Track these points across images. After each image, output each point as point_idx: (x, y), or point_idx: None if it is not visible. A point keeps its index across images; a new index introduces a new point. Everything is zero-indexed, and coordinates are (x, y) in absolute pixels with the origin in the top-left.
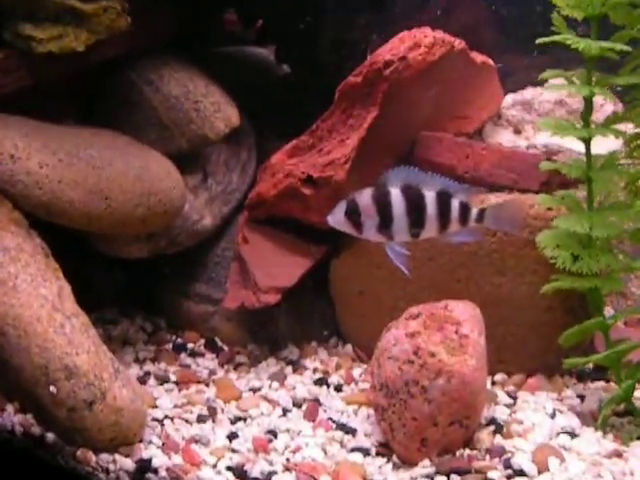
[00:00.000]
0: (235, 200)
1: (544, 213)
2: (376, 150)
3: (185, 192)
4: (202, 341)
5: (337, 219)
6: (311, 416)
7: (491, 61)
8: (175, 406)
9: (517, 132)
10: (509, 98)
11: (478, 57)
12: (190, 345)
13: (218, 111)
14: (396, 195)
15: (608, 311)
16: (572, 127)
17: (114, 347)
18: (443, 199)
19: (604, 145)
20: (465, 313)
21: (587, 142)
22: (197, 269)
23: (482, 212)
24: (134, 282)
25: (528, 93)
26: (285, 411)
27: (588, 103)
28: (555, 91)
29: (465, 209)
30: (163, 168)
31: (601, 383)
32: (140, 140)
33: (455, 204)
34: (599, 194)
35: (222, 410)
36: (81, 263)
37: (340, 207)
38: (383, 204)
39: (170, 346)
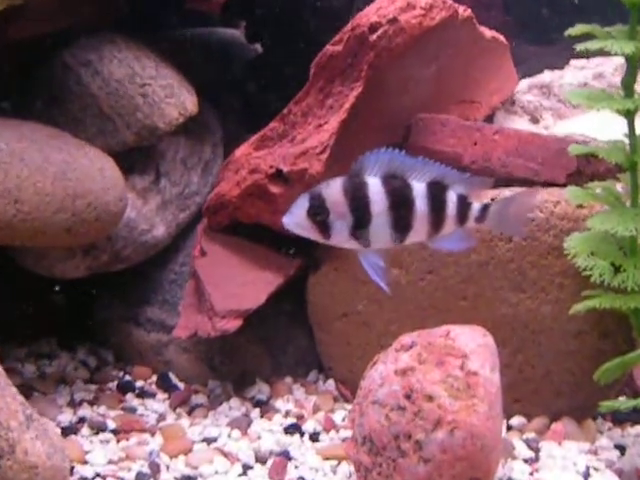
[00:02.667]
0: (195, 205)
1: (573, 212)
2: (361, 136)
3: (125, 195)
4: (154, 378)
5: (296, 220)
6: (277, 475)
7: (503, 37)
8: (110, 462)
9: (534, 120)
10: (524, 82)
11: (487, 32)
12: (139, 383)
13: (170, 96)
14: (375, 186)
15: None
16: (611, 98)
17: (46, 387)
18: (436, 192)
19: None
20: (473, 342)
21: (631, 117)
22: (149, 290)
23: (485, 209)
24: (77, 308)
25: (546, 76)
26: (246, 468)
27: (632, 64)
28: (591, 47)
29: (465, 205)
30: (95, 165)
31: None
32: (77, 135)
33: (452, 198)
34: None
35: (167, 467)
36: (9, 285)
37: (300, 203)
38: (358, 199)
39: (115, 385)
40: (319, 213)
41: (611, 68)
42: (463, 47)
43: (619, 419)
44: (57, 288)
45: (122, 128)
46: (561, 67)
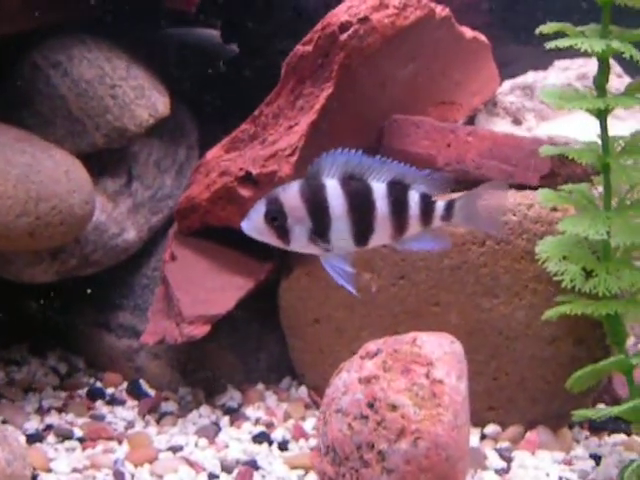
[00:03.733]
0: (168, 208)
1: (547, 215)
2: (332, 138)
3: (92, 198)
4: (125, 385)
5: (254, 225)
6: None
7: (484, 37)
8: (74, 470)
9: (516, 122)
10: (507, 83)
11: (468, 32)
12: (110, 390)
13: (141, 97)
14: (333, 189)
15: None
16: (583, 97)
17: (14, 394)
18: (397, 192)
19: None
20: (439, 349)
21: (603, 116)
22: (121, 295)
23: (450, 206)
24: (49, 314)
25: (529, 77)
26: (211, 478)
27: (603, 63)
28: (561, 45)
29: (428, 204)
30: (60, 167)
31: (621, 437)
32: (47, 137)
33: (414, 198)
34: (619, 188)
35: (132, 476)
36: None
37: (257, 209)
38: (316, 202)
39: (85, 392)
40: (277, 218)
41: (595, 69)
42: (442, 47)
43: (596, 428)
44: (29, 294)
45: (91, 130)
46: (546, 68)
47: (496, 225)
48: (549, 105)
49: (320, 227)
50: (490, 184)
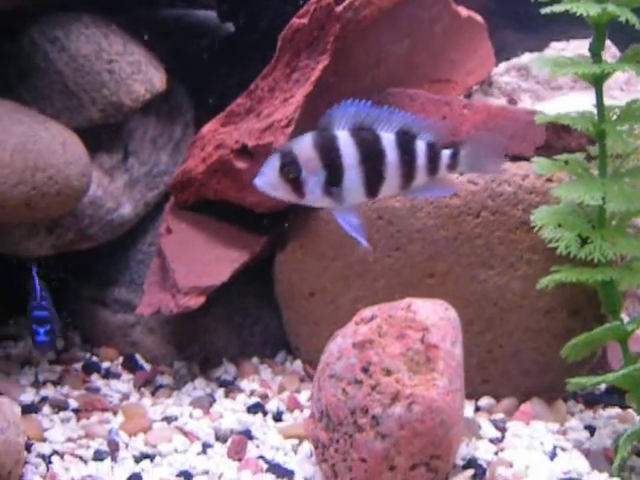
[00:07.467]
0: (164, 185)
1: (542, 185)
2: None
3: (89, 170)
4: (121, 359)
5: (268, 180)
6: (237, 454)
7: (480, 17)
8: (69, 439)
9: (512, 102)
10: (503, 64)
11: (463, 11)
12: (105, 364)
13: (137, 72)
14: (345, 139)
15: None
16: (577, 63)
17: (9, 368)
18: (406, 141)
19: None
20: (434, 315)
21: (598, 83)
22: (116, 270)
23: (455, 154)
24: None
25: (525, 58)
26: (205, 447)
27: (599, 29)
28: (556, 10)
29: (435, 153)
30: (57, 139)
31: (616, 410)
32: (44, 112)
33: (421, 147)
34: (614, 155)
35: (126, 445)
36: None
37: (271, 163)
38: (329, 153)
39: (81, 366)
40: (292, 171)
41: None
42: (437, 24)
43: (590, 401)
44: (25, 270)
45: (88, 104)
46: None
47: (498, 168)
48: (544, 86)
49: (334, 178)
50: (488, 132)
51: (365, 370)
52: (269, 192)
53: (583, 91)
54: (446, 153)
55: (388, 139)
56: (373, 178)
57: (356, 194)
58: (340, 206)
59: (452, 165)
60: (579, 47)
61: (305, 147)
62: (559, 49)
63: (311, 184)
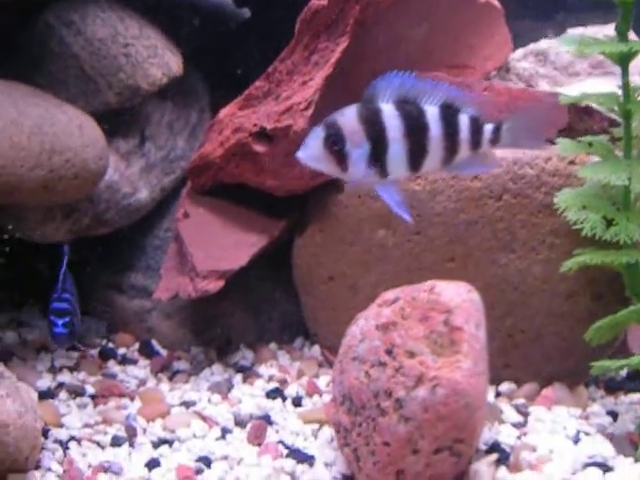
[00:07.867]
0: (180, 170)
1: (565, 168)
2: (347, 94)
3: (106, 154)
4: (137, 345)
5: (312, 152)
6: (257, 439)
7: (497, 3)
8: (86, 425)
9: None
10: (520, 49)
11: None
12: (122, 350)
13: (154, 56)
14: (389, 112)
15: None
16: (603, 42)
17: (26, 354)
18: (449, 115)
19: None
20: (458, 297)
21: (625, 62)
22: (133, 256)
23: (498, 129)
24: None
25: (543, 43)
26: (224, 432)
27: (625, 9)
28: None
29: (477, 127)
30: (74, 122)
31: (637, 396)
32: (59, 96)
33: (465, 120)
34: (639, 137)
35: (144, 430)
36: None
37: (315, 135)
38: (374, 125)
39: (97, 352)
40: (336, 143)
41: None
42: (455, 9)
43: (612, 387)
44: (42, 255)
45: (104, 88)
46: None
47: (540, 144)
48: (562, 71)
49: (378, 151)
50: (533, 105)
51: (389, 352)
52: (312, 165)
53: (601, 77)
54: (489, 127)
55: (432, 112)
56: (416, 152)
57: (399, 168)
58: (383, 180)
59: (495, 140)
60: (596, 33)
61: (350, 119)
62: (577, 35)
63: (355, 157)
